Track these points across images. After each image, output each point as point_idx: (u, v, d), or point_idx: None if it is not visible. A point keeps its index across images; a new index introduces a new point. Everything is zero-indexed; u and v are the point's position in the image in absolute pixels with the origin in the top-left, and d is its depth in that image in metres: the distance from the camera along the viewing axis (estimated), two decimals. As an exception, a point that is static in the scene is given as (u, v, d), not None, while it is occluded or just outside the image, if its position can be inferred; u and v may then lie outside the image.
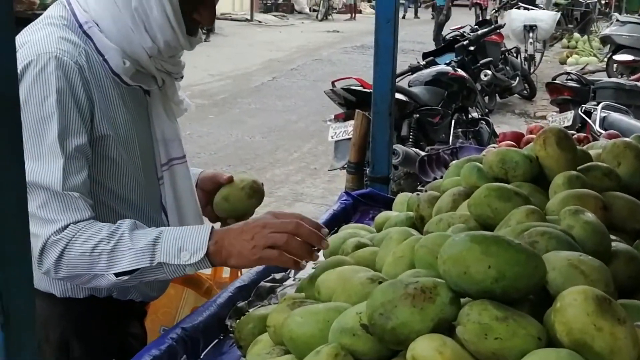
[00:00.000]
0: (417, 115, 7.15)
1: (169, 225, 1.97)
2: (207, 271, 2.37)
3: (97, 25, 1.80)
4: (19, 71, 1.70)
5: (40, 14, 1.90)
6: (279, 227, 1.72)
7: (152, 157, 1.96)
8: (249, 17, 25.82)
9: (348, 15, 30.31)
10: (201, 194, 2.11)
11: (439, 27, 19.34)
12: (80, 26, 1.81)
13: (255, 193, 2.13)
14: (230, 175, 2.11)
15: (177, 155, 2.01)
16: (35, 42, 1.75)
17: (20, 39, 1.79)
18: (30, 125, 1.69)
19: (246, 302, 1.99)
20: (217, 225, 2.23)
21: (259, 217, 1.79)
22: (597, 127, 5.99)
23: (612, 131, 3.57)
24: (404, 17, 31.53)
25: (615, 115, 6.17)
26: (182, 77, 2.03)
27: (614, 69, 13.27)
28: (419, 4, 33.79)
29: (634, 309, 1.33)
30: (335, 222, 2.70)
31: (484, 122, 7.96)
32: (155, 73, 1.89)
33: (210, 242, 1.71)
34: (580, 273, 1.33)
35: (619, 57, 10.45)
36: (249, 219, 1.86)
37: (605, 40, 15.09)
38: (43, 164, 1.69)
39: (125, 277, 1.71)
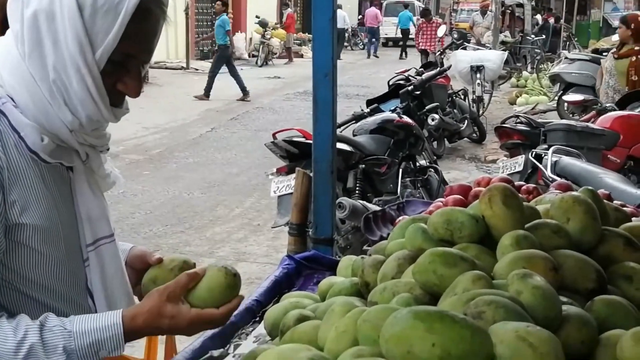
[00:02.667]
0: (363, 165, 7.20)
1: (96, 311, 1.94)
2: (140, 356, 2.33)
3: (12, 100, 1.76)
4: None
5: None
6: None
7: (77, 238, 1.91)
8: (184, 65, 25.85)
9: (287, 60, 30.68)
10: (131, 272, 2.07)
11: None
12: None
13: None
14: (159, 257, 2.07)
15: (105, 234, 1.96)
16: None
17: None
18: None
19: (182, 384, 1.96)
20: None
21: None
22: (548, 173, 6.09)
23: (562, 181, 3.62)
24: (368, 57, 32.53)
25: (566, 160, 6.28)
26: (108, 149, 1.99)
27: (565, 109, 13.60)
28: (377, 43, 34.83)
29: (587, 381, 1.34)
30: (278, 288, 2.69)
31: (432, 170, 8.05)
32: (78, 147, 1.85)
33: (125, 337, 1.77)
34: (528, 346, 1.33)
35: (569, 97, 10.72)
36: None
37: (554, 78, 15.47)
38: None
39: None
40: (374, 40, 35.07)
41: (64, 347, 1.70)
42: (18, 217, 1.75)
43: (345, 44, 36.71)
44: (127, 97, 1.90)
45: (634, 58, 9.99)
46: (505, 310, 1.47)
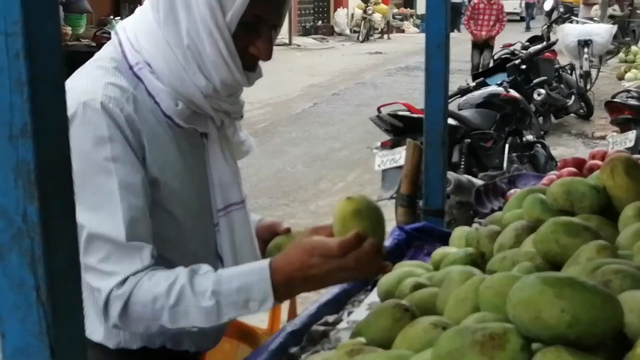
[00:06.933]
0: (469, 140, 7.12)
1: None
2: (264, 326, 2.38)
3: (149, 65, 1.80)
4: None
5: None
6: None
7: (208, 202, 1.95)
8: (287, 41, 26.03)
9: (386, 36, 30.46)
10: (258, 242, 2.10)
11: None
12: (131, 67, 1.80)
13: None
14: (288, 227, 2.10)
15: (236, 200, 1.98)
16: (80, 89, 1.73)
17: (67, 83, 1.80)
18: (84, 176, 1.68)
19: (299, 347, 1.99)
20: None
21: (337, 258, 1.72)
22: (662, 148, 5.90)
23: (682, 155, 3.51)
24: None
25: (682, 135, 6.07)
26: (242, 117, 2.02)
27: (677, 84, 13.10)
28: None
29: None
30: (389, 259, 2.69)
31: (539, 145, 7.89)
32: (213, 114, 1.88)
33: (274, 285, 1.72)
34: (661, 315, 1.30)
35: (682, 71, 10.32)
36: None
37: (665, 53, 14.94)
38: (104, 214, 1.70)
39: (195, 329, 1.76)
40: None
41: (213, 290, 1.70)
42: (158, 172, 1.80)
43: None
44: (260, 63, 1.91)
45: None
46: (633, 280, 1.43)
